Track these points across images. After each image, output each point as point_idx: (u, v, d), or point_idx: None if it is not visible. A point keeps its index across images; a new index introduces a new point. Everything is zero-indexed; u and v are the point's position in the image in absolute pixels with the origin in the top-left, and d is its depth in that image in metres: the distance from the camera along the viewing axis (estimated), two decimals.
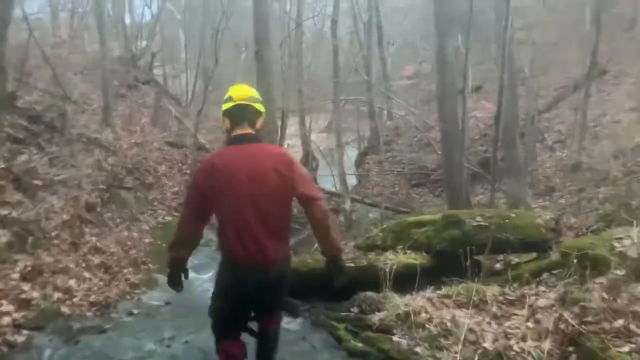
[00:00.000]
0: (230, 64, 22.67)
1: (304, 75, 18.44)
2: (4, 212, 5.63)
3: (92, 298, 5.74)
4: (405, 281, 4.99)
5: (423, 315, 3.93)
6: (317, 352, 3.83)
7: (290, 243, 2.99)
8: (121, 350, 3.68)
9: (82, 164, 8.83)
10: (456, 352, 3.44)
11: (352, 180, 17.56)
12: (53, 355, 3.55)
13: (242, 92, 2.78)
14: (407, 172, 14.85)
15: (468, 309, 4.20)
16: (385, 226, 6.24)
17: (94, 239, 7.78)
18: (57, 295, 4.94)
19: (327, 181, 17.45)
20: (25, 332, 3.88)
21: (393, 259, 5.12)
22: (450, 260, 5.40)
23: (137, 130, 12.50)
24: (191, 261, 8.50)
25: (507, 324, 3.83)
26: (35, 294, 4.47)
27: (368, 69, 16.38)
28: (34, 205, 6.72)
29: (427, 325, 3.82)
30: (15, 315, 4.06)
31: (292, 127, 18.38)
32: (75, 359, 3.50)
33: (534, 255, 5.50)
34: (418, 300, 4.32)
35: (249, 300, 2.86)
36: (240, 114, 2.76)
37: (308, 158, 18.50)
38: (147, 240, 9.15)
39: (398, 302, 4.23)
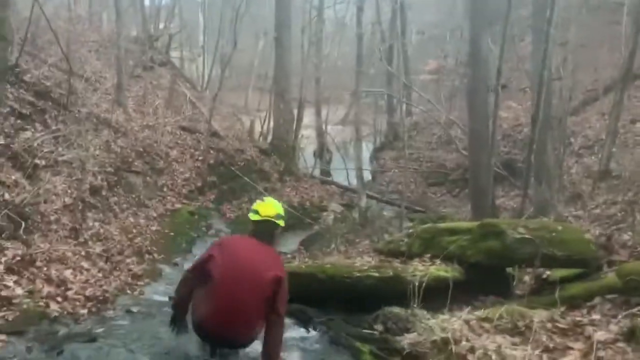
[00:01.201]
0: (248, 51, 22.05)
1: (322, 65, 17.77)
2: None
3: (89, 292, 5.16)
4: (435, 296, 4.37)
5: (464, 343, 3.30)
6: None
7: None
8: None
9: (89, 144, 8.26)
10: None
11: (366, 176, 16.95)
12: None
13: (269, 210, 3.26)
14: (426, 169, 14.13)
15: (512, 335, 3.58)
16: (411, 231, 5.59)
17: (96, 224, 7.23)
18: (47, 289, 4.36)
19: (340, 175, 16.83)
20: (1, 337, 3.30)
21: (422, 271, 4.49)
22: (485, 275, 4.78)
23: (150, 112, 11.92)
24: (198, 252, 7.96)
25: None
26: (19, 291, 3.88)
27: (390, 60, 15.67)
28: (32, 186, 6.15)
29: (468, 357, 3.19)
30: None
31: (307, 118, 17.75)
32: None
33: (571, 271, 4.85)
34: (454, 323, 3.69)
35: None
36: (262, 227, 3.24)
37: (322, 150, 17.89)
38: (154, 228, 8.60)
39: (432, 325, 3.60)
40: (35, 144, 7.09)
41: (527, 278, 5.77)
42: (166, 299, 6.56)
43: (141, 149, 9.93)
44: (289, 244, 11.13)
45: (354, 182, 16.61)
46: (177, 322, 3.29)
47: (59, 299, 4.35)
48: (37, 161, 6.73)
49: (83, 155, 7.78)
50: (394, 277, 4.43)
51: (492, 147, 8.26)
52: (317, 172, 16.67)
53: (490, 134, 8.26)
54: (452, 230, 5.07)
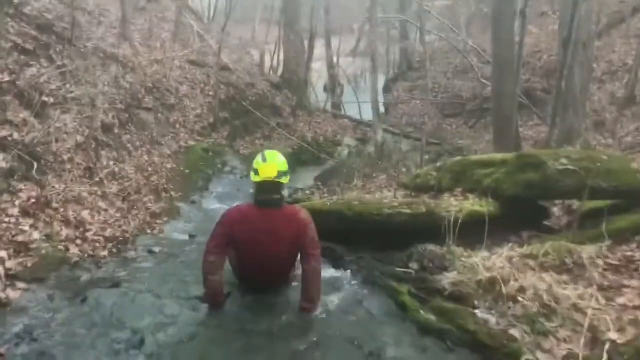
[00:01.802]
0: None
1: None
2: (4, 133, 4.73)
3: (108, 232, 4.95)
4: (470, 232, 4.09)
5: (512, 283, 3.03)
6: (378, 323, 2.98)
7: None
8: (137, 312, 2.86)
9: (97, 80, 7.83)
10: (566, 341, 2.56)
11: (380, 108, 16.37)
12: (52, 319, 2.74)
13: (269, 171, 3.00)
14: (442, 100, 13.54)
15: (559, 273, 3.31)
16: (440, 164, 5.23)
17: (111, 163, 6.94)
18: (66, 232, 4.12)
19: (352, 108, 16.30)
20: (20, 285, 3.04)
21: (457, 206, 4.18)
22: (519, 209, 4.48)
23: (157, 46, 11.33)
24: (215, 189, 7.67)
25: (620, 300, 2.93)
26: (36, 235, 3.63)
27: None
28: (42, 125, 5.82)
29: (518, 298, 2.93)
30: (9, 263, 3.20)
31: (316, 50, 16.98)
32: (80, 326, 2.69)
33: (606, 202, 4.52)
34: (496, 261, 3.42)
35: None
36: (266, 188, 3.03)
37: (333, 84, 17.27)
38: (169, 166, 8.32)
39: (475, 264, 3.33)
40: (42, 81, 6.69)
41: (555, 210, 5.48)
42: (186, 237, 6.40)
43: (151, 85, 9.49)
44: (304, 179, 10.86)
45: (366, 115, 16.14)
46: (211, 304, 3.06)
47: (79, 241, 4.13)
48: (44, 98, 6.34)
49: (92, 91, 7.38)
50: (426, 213, 4.12)
51: (517, 75, 7.73)
52: (328, 107, 16.15)
53: (516, 60, 7.71)
54: (485, 163, 4.71)
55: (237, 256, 3.11)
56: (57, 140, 5.92)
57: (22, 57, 6.84)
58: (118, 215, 5.55)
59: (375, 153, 10.69)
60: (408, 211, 4.13)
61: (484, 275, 3.11)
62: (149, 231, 5.96)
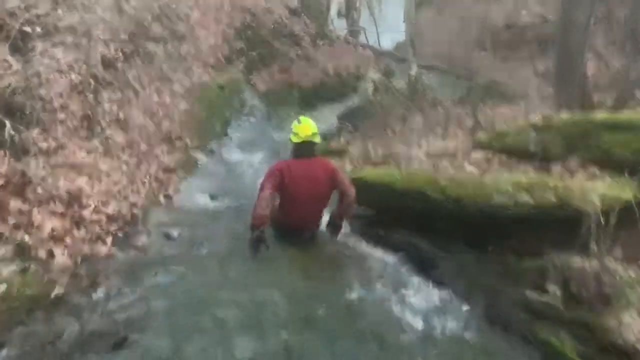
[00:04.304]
0: None
1: None
2: None
3: (112, 208, 3.60)
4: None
5: None
6: None
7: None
8: None
9: (96, 5, 6.14)
10: None
11: (397, 38, 14.63)
12: None
13: (306, 130, 3.54)
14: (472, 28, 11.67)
15: None
16: (536, 119, 3.73)
17: (114, 108, 5.42)
18: (50, 224, 2.74)
19: (370, 35, 14.38)
20: None
21: (598, 190, 2.76)
22: None
23: None
24: (235, 135, 6.29)
25: None
26: None
27: None
28: (24, 64, 4.28)
29: None
30: None
31: None
32: None
33: None
34: None
35: None
36: (305, 147, 3.56)
37: (350, 9, 15.23)
38: (182, 107, 6.77)
39: None
40: (24, 5, 5.04)
41: None
42: (208, 199, 5.09)
43: (158, 11, 7.69)
44: (327, 118, 9.31)
45: (385, 44, 14.31)
46: (259, 243, 3.23)
47: (68, 238, 2.76)
48: (27, 28, 4.75)
49: (89, 18, 5.74)
50: (558, 204, 2.71)
51: (593, 2, 6.04)
52: (340, 34, 14.18)
53: None
54: (618, 125, 3.22)
55: (283, 199, 3.48)
56: (41, 82, 4.40)
57: None
58: (124, 180, 4.15)
59: (407, 90, 9.09)
60: (530, 201, 2.72)
61: None
62: (162, 197, 4.61)
